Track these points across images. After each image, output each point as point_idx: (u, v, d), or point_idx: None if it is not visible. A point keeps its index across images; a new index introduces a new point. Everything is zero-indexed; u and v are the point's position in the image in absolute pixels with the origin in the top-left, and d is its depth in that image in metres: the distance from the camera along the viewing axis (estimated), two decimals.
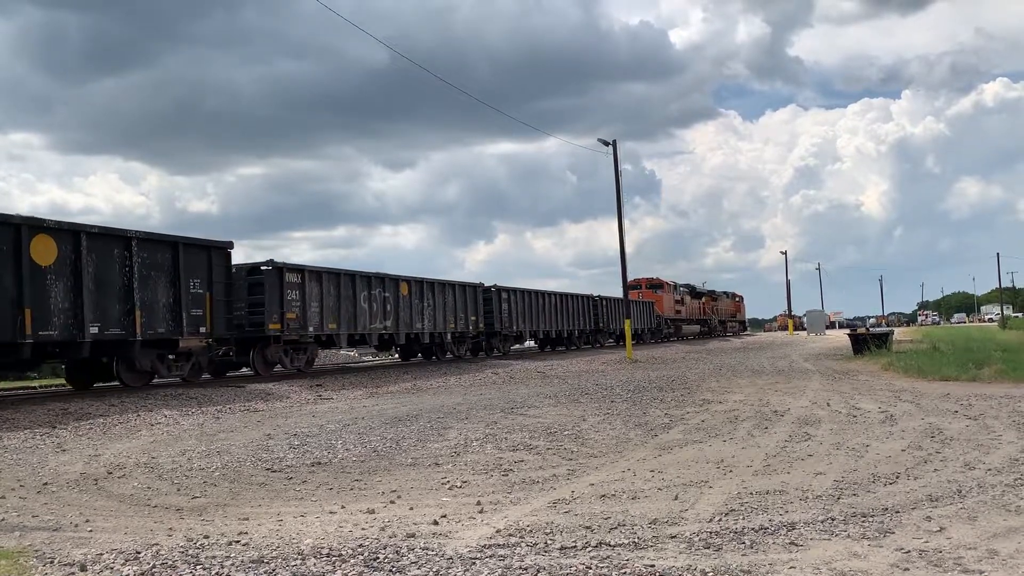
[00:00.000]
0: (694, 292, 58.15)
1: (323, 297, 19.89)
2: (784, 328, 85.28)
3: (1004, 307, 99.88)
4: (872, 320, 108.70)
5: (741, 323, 75.15)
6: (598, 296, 40.06)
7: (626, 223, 34.17)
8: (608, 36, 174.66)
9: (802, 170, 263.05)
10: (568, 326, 35.43)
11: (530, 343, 36.20)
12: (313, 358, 21.03)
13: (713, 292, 64.37)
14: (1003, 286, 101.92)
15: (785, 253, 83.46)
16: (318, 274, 19.95)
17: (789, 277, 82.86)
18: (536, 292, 32.58)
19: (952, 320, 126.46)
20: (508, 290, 30.22)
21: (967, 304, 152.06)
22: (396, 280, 23.56)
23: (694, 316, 56.33)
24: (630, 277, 50.20)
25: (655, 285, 50.77)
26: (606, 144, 32.83)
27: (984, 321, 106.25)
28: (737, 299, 72.87)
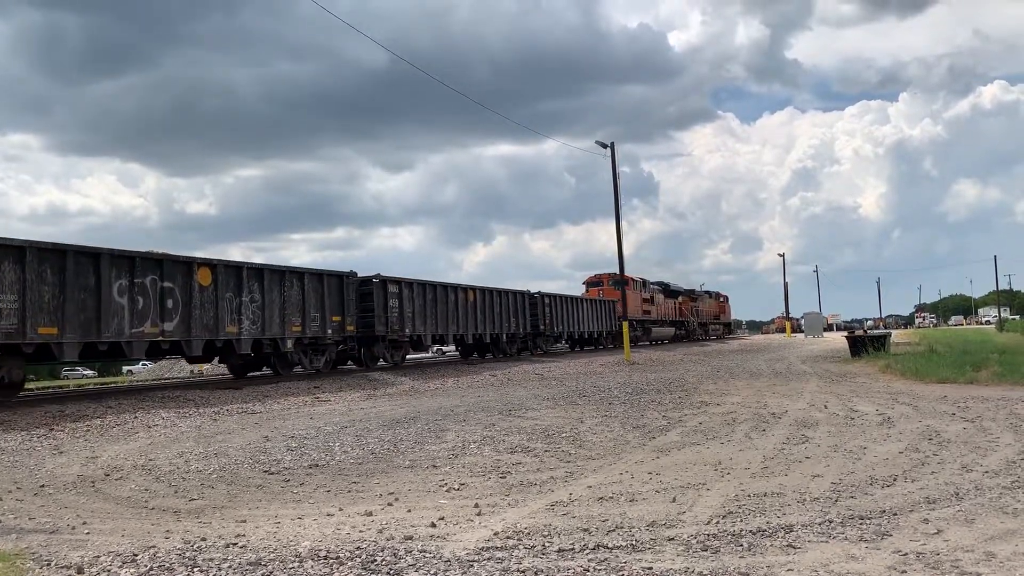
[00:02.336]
0: (668, 291, 52.38)
1: (27, 287, 12.88)
2: (782, 330, 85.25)
3: (1001, 309, 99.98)
4: (870, 322, 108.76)
5: (726, 326, 69.68)
6: (537, 293, 33.60)
7: (624, 225, 33.56)
8: (607, 38, 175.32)
9: (800, 172, 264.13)
10: (493, 328, 29.15)
11: (448, 349, 31.66)
12: (18, 380, 14.12)
13: (692, 291, 58.79)
14: (1000, 288, 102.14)
15: (783, 255, 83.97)
16: (19, 251, 12.87)
17: (787, 279, 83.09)
18: (443, 286, 26.27)
19: (949, 322, 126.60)
20: (399, 282, 23.73)
21: (964, 306, 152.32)
22: (189, 264, 16.22)
23: (667, 317, 50.48)
24: (590, 273, 45.79)
25: (618, 282, 43.30)
26: (604, 146, 32.86)
27: (981, 323, 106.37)
28: (721, 299, 67.99)
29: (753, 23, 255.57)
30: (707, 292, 63.71)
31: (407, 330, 23.94)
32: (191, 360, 20.41)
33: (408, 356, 26.25)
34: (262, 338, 18.15)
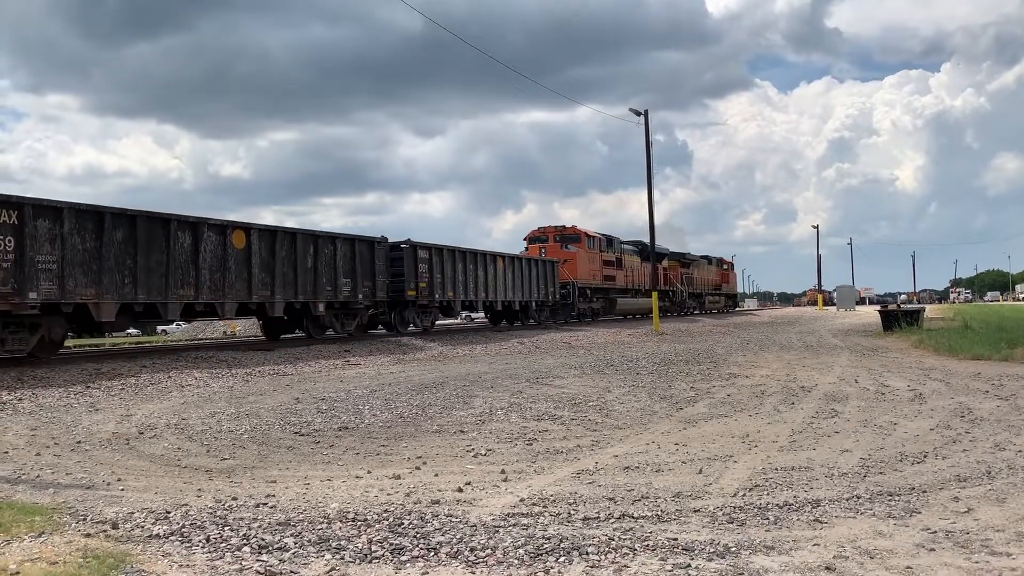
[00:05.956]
0: (646, 252, 38.84)
1: None
2: (814, 303, 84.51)
3: None
4: (903, 297, 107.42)
5: (729, 297, 59.55)
6: (405, 242, 22.59)
7: (656, 194, 32.02)
8: (643, 3, 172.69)
9: (836, 143, 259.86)
10: (294, 295, 18.29)
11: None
12: None
13: (684, 255, 48.36)
14: None
15: (817, 227, 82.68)
16: None
17: (820, 251, 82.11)
18: (153, 217, 15.03)
19: (985, 298, 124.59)
20: (17, 207, 12.64)
21: (1001, 282, 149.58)
22: None
23: (643, 285, 39.54)
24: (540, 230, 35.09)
25: (568, 238, 34.12)
26: (638, 114, 32.50)
27: (1018, 300, 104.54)
28: (724, 267, 58.30)
29: None
30: (705, 257, 53.97)
31: (34, 294, 12.88)
32: None
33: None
34: None
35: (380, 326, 23.41)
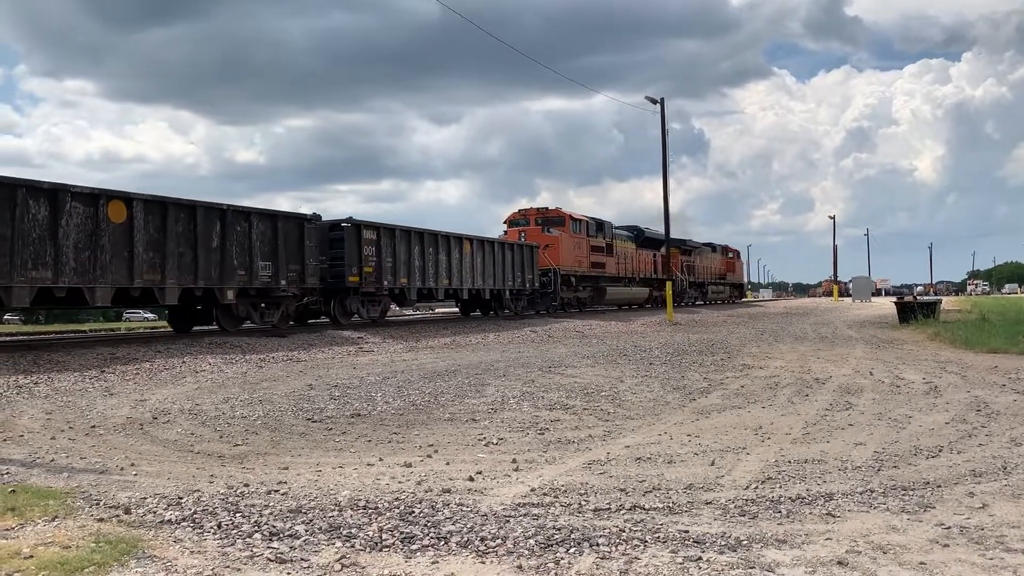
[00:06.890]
0: (643, 239, 38.85)
1: None
2: (829, 294, 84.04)
3: None
4: (920, 288, 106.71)
5: (735, 287, 57.07)
6: (347, 221, 19.76)
7: (672, 183, 31.14)
8: None
9: (855, 133, 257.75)
10: (191, 279, 15.36)
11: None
12: None
13: (684, 241, 45.01)
14: None
15: (833, 217, 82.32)
16: None
17: (836, 242, 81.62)
18: None
19: (1003, 290, 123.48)
20: None
21: (1020, 274, 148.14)
22: None
23: (637, 274, 37.58)
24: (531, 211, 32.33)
25: (550, 220, 31.16)
26: (654, 102, 32.32)
27: None
28: (730, 255, 55.71)
29: None
30: (708, 244, 51.25)
31: None
32: None
33: None
34: None
35: (324, 316, 20.68)
